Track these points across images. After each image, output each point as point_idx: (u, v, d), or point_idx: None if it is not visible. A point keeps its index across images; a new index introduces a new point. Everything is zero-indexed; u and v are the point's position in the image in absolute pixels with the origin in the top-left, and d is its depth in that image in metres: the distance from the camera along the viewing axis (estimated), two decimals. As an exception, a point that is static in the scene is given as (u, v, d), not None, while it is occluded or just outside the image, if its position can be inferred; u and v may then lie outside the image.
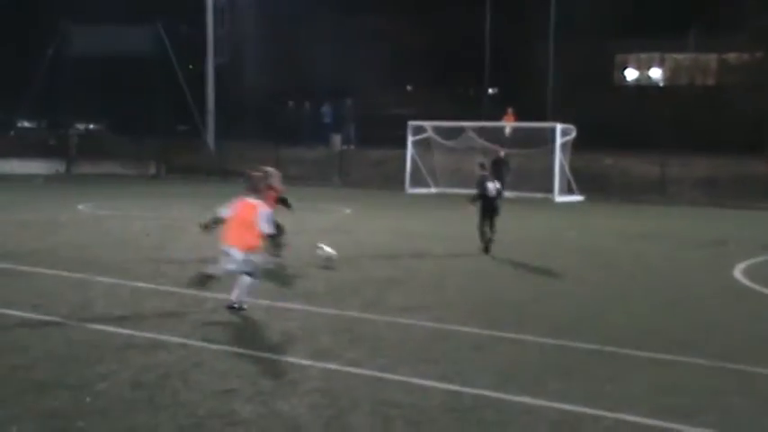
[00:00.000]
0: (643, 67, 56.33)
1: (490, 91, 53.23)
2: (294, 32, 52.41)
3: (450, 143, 38.49)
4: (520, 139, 38.00)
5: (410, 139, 39.09)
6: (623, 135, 40.94)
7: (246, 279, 11.80)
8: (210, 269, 12.21)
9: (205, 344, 10.13)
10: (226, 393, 8.31)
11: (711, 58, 49.82)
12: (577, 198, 35.67)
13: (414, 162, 38.96)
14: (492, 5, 48.91)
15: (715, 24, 43.05)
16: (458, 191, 36.48)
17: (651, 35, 49.76)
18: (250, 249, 11.89)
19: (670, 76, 54.85)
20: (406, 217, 27.31)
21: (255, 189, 12.22)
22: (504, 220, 19.28)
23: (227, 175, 43.11)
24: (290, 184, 29.95)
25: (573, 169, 36.69)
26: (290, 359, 9.58)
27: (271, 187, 14.45)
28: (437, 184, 38.38)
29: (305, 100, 52.43)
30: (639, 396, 8.54)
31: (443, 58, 52.34)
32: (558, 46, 47.85)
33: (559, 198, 35.43)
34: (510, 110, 41.68)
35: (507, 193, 35.82)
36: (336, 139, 45.97)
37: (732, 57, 47.80)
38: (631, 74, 56.72)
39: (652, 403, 8.30)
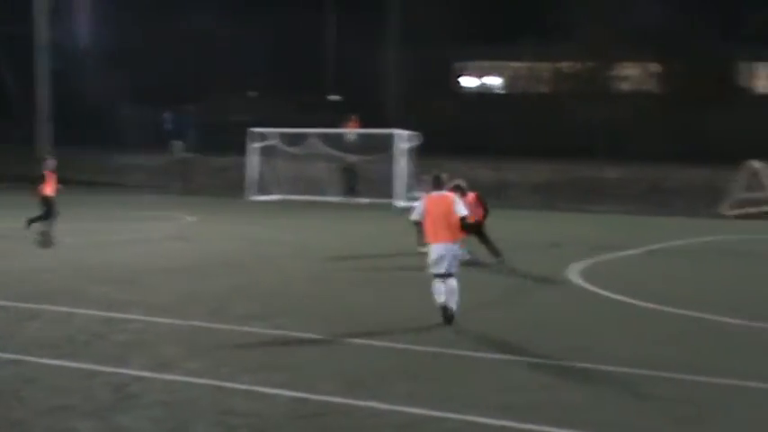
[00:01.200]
0: (483, 74, 57.66)
1: (335, 97, 53.42)
2: (133, 37, 51.13)
3: (293, 149, 38.38)
4: (365, 145, 38.35)
5: (251, 145, 38.76)
6: (464, 140, 41.77)
7: (454, 282, 11.69)
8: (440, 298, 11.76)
9: (39, 359, 9.72)
10: (63, 410, 7.99)
11: (546, 67, 51.41)
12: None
13: (257, 168, 38.65)
14: (335, 14, 49.17)
15: (548, 33, 44.46)
16: (301, 197, 36.48)
17: (488, 43, 51.00)
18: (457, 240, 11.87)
19: (508, 84, 56.36)
20: (249, 224, 27.04)
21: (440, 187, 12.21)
22: (346, 227, 19.37)
23: (62, 182, 41.65)
24: (130, 192, 29.55)
25: (416, 175, 37.19)
26: (130, 371, 9.30)
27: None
28: (281, 191, 38.19)
29: (144, 106, 51.14)
30: (483, 396, 8.70)
31: (286, 65, 52.18)
32: (400, 53, 48.47)
33: (402, 203, 35.84)
34: (353, 117, 41.93)
35: (359, 199, 36.26)
36: (178, 146, 45.14)
37: (565, 66, 49.49)
38: (469, 81, 57.97)
39: (495, 402, 8.46)
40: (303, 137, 38.57)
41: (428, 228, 11.90)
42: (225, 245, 21.08)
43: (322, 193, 37.51)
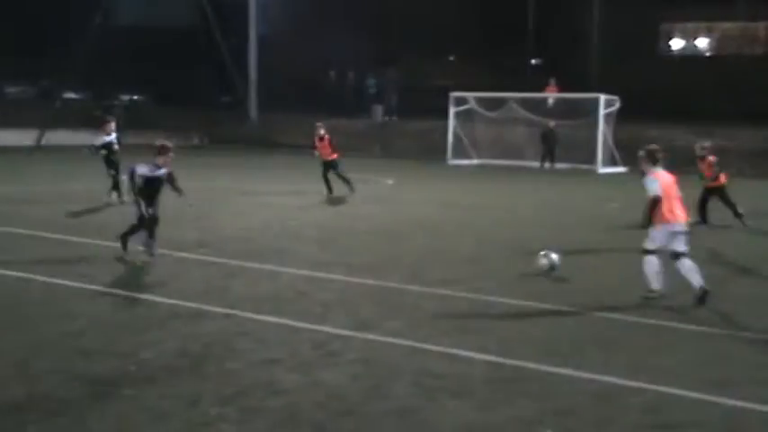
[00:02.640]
0: (689, 36, 55.40)
1: (533, 61, 52.73)
2: (335, 3, 52.18)
3: (492, 114, 38.29)
4: (563, 110, 37.76)
5: (452, 110, 38.93)
6: (668, 105, 40.37)
7: (688, 261, 11.27)
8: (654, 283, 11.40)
9: (248, 314, 10.24)
10: (270, 363, 8.41)
11: (760, 27, 48.81)
12: (621, 170, 35.36)
13: (455, 133, 38.83)
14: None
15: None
16: (500, 162, 36.41)
17: (698, 3, 48.91)
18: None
19: (717, 45, 53.93)
20: (447, 188, 27.26)
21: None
22: (547, 192, 19.18)
23: (270, 146, 43.30)
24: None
25: (617, 140, 36.36)
26: (332, 330, 9.66)
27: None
28: (479, 156, 38.24)
29: (347, 70, 52.19)
30: (682, 369, 8.52)
31: (486, 28, 51.85)
32: (602, 15, 47.21)
33: (602, 169, 35.16)
34: (553, 80, 41.34)
35: (558, 165, 35.82)
36: (378, 110, 45.91)
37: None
38: (677, 43, 55.86)
39: (694, 376, 8.27)
40: (502, 101, 38.41)
41: (665, 205, 11.30)
42: (423, 208, 21.35)
43: (520, 157, 37.28)
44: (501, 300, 11.31)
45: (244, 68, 49.49)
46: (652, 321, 10.33)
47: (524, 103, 38.33)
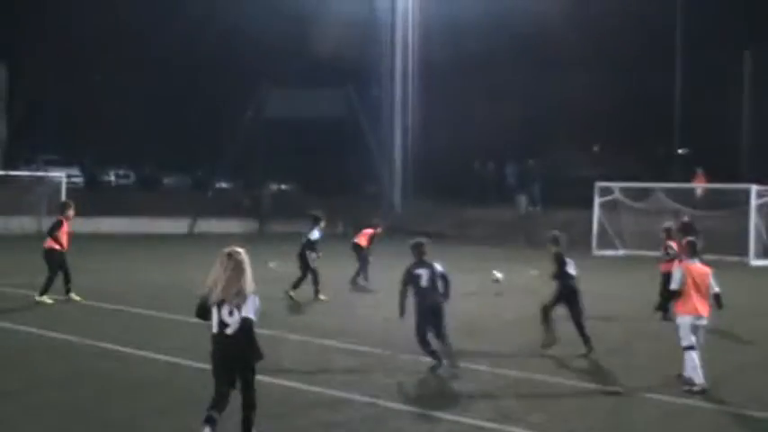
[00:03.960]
0: None
1: (680, 151, 51.81)
2: (475, 92, 52.78)
3: (638, 204, 37.65)
4: (711, 200, 36.81)
5: (597, 200, 38.50)
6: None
7: (693, 354, 11.34)
8: (689, 372, 11.36)
9: (391, 403, 10.27)
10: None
11: None
12: (775, 262, 34.09)
13: (600, 224, 38.30)
14: (681, 62, 47.76)
15: None
16: (646, 253, 35.62)
17: None
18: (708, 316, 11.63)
19: None
20: (594, 279, 26.76)
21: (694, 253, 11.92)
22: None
23: (412, 234, 43.60)
24: (476, 243, 30.27)
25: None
26: (474, 421, 9.58)
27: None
28: (624, 246, 37.55)
29: (489, 160, 52.53)
30: None
31: (631, 118, 51.41)
32: (751, 103, 46.13)
33: (755, 262, 33.93)
34: (700, 170, 40.42)
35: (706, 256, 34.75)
36: (522, 200, 45.80)
37: None
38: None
39: None
40: (649, 191, 37.77)
41: (692, 296, 11.29)
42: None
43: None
44: (645, 395, 11.00)
45: (389, 159, 50.40)
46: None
47: (672, 193, 37.59)
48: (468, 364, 12.62)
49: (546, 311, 13.81)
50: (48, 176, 43.02)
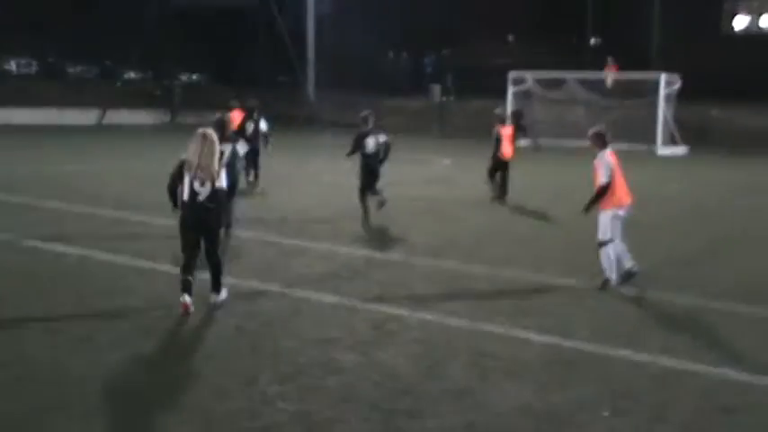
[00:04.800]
0: (754, 13, 54.17)
1: (593, 41, 52.08)
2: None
3: (551, 94, 37.93)
4: (622, 89, 37.29)
5: (510, 89, 38.64)
6: (731, 86, 39.62)
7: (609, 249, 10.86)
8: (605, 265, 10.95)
9: (305, 293, 10.30)
10: (327, 342, 8.46)
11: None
12: (681, 150, 34.86)
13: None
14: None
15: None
16: (559, 142, 36.06)
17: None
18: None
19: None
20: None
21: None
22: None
23: (327, 125, 43.40)
24: (391, 132, 29.70)
25: (677, 120, 35.83)
26: (389, 310, 9.68)
27: None
28: (536, 136, 37.92)
29: (403, 50, 52.13)
30: (742, 353, 8.40)
31: (545, 7, 51.32)
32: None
33: (662, 150, 34.67)
34: (611, 59, 40.76)
35: (618, 146, 35.34)
36: (436, 90, 45.76)
37: None
38: (741, 21, 54.70)
39: (756, 360, 8.15)
40: (561, 81, 38.03)
41: (618, 187, 11.06)
42: (481, 188, 21.23)
43: (579, 137, 36.84)
44: (556, 281, 11.24)
45: (301, 49, 49.60)
46: (716, 305, 10.18)
47: (584, 82, 37.92)
48: (381, 253, 12.70)
49: None
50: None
